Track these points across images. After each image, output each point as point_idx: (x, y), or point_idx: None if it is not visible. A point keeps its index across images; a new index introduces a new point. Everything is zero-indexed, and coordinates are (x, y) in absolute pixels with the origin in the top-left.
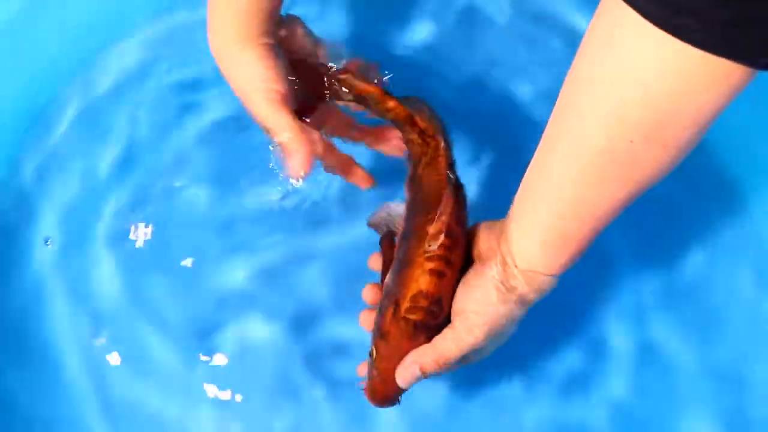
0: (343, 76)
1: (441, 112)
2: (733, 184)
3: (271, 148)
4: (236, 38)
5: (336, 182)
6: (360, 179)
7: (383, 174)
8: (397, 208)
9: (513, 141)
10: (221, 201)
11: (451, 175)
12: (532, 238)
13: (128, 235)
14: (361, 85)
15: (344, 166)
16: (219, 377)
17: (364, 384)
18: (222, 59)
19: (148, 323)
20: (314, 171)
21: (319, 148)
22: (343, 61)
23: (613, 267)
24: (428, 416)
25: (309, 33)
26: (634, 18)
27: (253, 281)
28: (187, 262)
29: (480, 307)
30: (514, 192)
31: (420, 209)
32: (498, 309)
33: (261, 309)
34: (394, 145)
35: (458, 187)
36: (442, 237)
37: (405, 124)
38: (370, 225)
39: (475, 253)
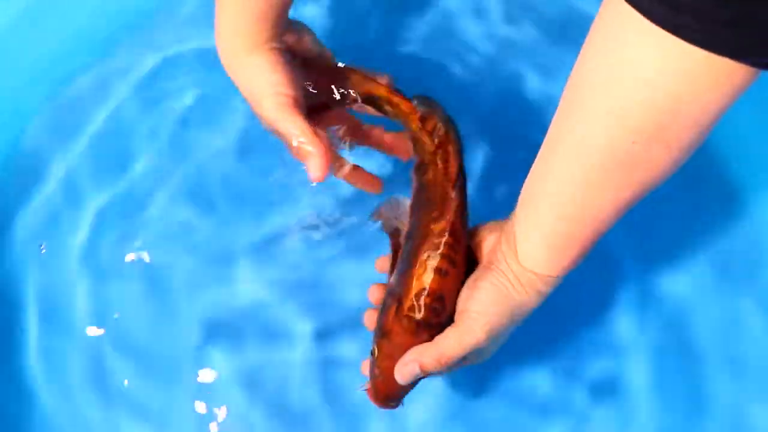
0: (352, 76)
1: None
2: (734, 185)
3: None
4: (245, 44)
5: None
6: (368, 184)
7: (385, 176)
8: (405, 201)
9: (516, 141)
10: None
11: (458, 174)
12: (535, 240)
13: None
14: (371, 85)
15: (352, 171)
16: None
17: (366, 385)
18: (231, 65)
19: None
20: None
21: (333, 152)
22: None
23: (614, 268)
24: (429, 417)
25: (315, 38)
26: (636, 17)
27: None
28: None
29: (483, 308)
30: (517, 192)
31: (425, 208)
32: (501, 309)
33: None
34: (400, 148)
35: (464, 187)
36: (446, 236)
37: (415, 123)
38: (374, 217)
39: (479, 254)
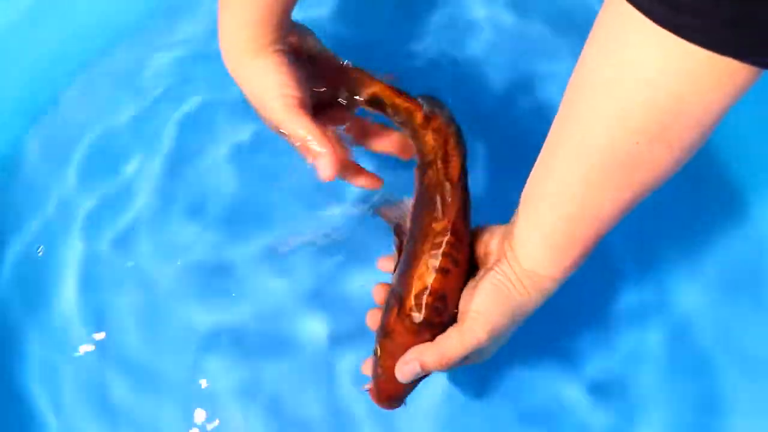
0: (356, 75)
1: None
2: (734, 185)
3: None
4: (249, 47)
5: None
6: (368, 181)
7: (385, 175)
8: (407, 201)
9: (518, 141)
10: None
11: (461, 174)
12: (536, 240)
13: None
14: (374, 83)
15: (351, 169)
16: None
17: (369, 385)
18: (236, 69)
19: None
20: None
21: (343, 150)
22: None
23: (614, 268)
24: (428, 417)
25: (317, 39)
26: (637, 18)
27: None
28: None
29: (484, 308)
30: (519, 193)
31: (427, 207)
32: (502, 310)
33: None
34: (401, 147)
35: (466, 187)
36: (448, 235)
37: (418, 121)
38: (376, 211)
39: (481, 255)
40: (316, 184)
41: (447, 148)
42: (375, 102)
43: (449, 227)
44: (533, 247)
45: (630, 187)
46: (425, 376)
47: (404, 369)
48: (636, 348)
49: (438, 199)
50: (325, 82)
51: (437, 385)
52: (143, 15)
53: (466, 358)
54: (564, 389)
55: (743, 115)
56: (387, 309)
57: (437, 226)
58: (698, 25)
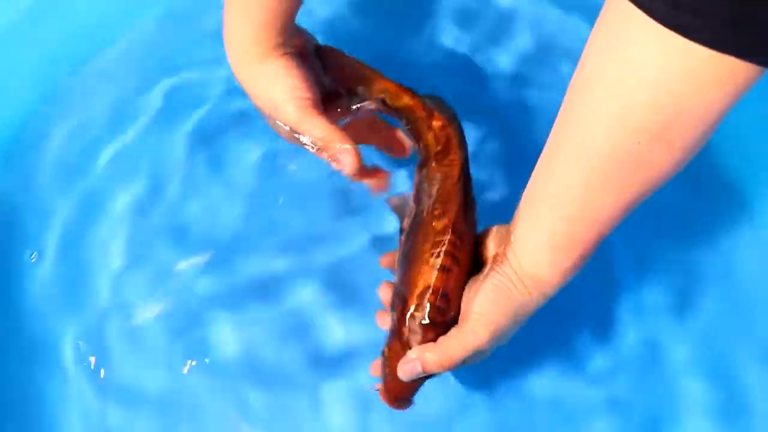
0: (363, 70)
1: None
2: (734, 186)
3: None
4: (257, 53)
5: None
6: (377, 180)
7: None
8: (409, 198)
9: (520, 141)
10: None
11: (463, 173)
12: (538, 241)
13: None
14: (381, 79)
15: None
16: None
17: (378, 385)
18: (245, 76)
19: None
20: None
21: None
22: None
23: (614, 268)
24: (428, 417)
25: (314, 39)
26: (638, 16)
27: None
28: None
29: (485, 310)
30: (520, 193)
31: (428, 205)
32: (504, 311)
33: None
34: (400, 144)
35: (468, 186)
36: (449, 233)
37: (421, 120)
38: (388, 202)
39: (483, 255)
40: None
41: (448, 147)
42: (380, 97)
43: (450, 226)
44: (534, 249)
45: (630, 189)
46: (431, 375)
47: (405, 368)
48: (636, 348)
49: (439, 197)
50: (331, 78)
51: (435, 386)
52: (143, 15)
53: (469, 359)
54: (564, 389)
55: (744, 114)
56: (392, 309)
57: (438, 224)
58: (698, 25)
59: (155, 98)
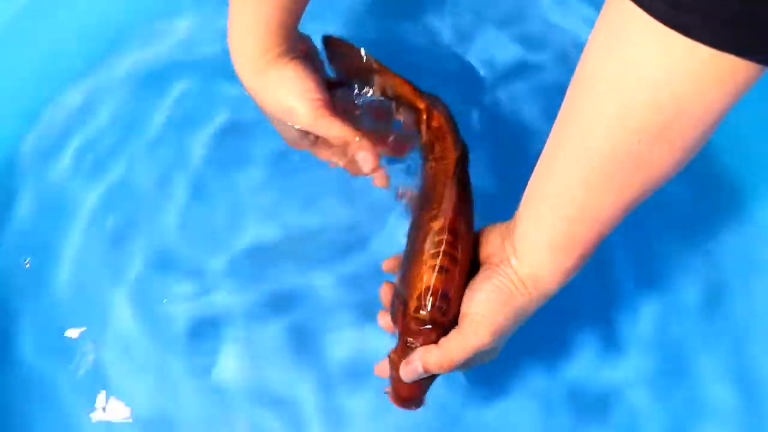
0: (370, 62)
1: None
2: (734, 186)
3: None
4: (266, 61)
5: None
6: (378, 176)
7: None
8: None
9: (520, 141)
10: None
11: (458, 172)
12: (538, 241)
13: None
14: (388, 73)
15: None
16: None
17: (388, 388)
18: (254, 84)
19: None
20: None
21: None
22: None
23: (614, 268)
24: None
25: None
26: (639, 16)
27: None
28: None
29: (485, 310)
30: (521, 193)
31: (425, 206)
32: (504, 311)
33: None
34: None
35: (464, 185)
36: (445, 233)
37: (420, 117)
38: (400, 195)
39: (483, 255)
40: None
41: (444, 146)
42: (382, 89)
43: (446, 226)
44: (534, 249)
45: (630, 189)
46: (436, 376)
47: (407, 370)
48: (636, 348)
49: (435, 196)
50: (336, 68)
51: (435, 386)
52: (144, 15)
53: (473, 359)
54: (564, 389)
55: (744, 114)
56: (394, 311)
57: (435, 224)
58: (699, 24)
59: (166, 102)
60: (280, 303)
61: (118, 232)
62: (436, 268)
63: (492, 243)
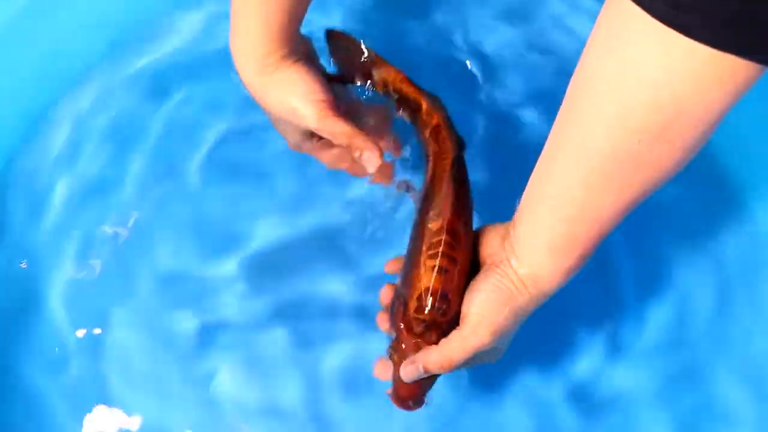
0: (372, 57)
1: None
2: (734, 185)
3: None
4: (269, 64)
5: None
6: (383, 172)
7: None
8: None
9: (520, 141)
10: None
11: (455, 172)
12: (537, 242)
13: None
14: (390, 69)
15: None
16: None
17: (389, 389)
18: (259, 87)
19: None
20: None
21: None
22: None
23: (614, 268)
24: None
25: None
26: (639, 16)
27: None
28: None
29: (485, 310)
30: (520, 193)
31: (424, 207)
32: (504, 311)
33: None
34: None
35: (462, 186)
36: (444, 234)
37: (420, 114)
38: (407, 189)
39: (482, 255)
40: None
41: (443, 146)
42: (386, 87)
43: (445, 226)
44: (534, 249)
45: (630, 189)
46: (436, 376)
47: (407, 370)
48: (636, 348)
49: (433, 197)
50: (338, 62)
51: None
52: (144, 15)
53: (474, 359)
54: (563, 389)
55: (744, 114)
56: (394, 311)
57: (433, 225)
58: (699, 24)
59: (167, 103)
60: (280, 312)
61: (118, 237)
62: (435, 268)
63: (491, 243)
